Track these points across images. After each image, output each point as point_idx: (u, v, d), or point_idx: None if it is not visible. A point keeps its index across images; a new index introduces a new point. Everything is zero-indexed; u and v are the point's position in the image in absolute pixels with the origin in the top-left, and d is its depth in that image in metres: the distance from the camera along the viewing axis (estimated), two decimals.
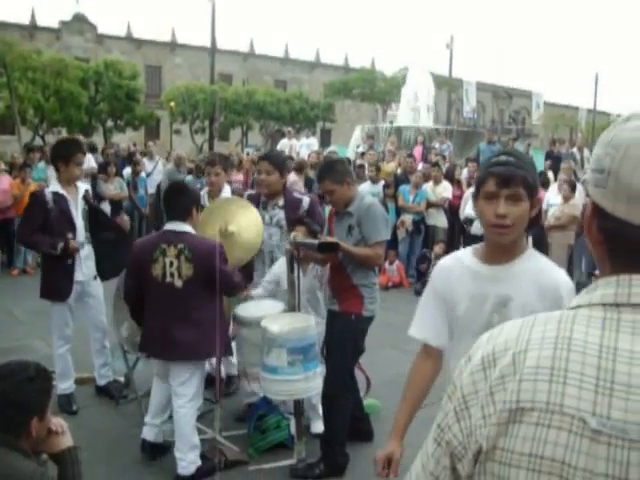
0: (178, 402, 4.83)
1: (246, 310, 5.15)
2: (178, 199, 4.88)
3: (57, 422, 2.80)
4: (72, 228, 5.96)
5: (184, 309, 4.70)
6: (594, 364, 1.13)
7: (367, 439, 5.62)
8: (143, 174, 13.57)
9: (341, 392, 5.00)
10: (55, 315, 6.09)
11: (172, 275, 4.67)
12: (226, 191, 6.43)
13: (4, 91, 31.65)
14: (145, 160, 14.74)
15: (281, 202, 5.83)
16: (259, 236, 5.47)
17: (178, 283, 4.67)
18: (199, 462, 4.84)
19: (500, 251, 2.62)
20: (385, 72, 47.77)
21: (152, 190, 13.43)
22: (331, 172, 5.09)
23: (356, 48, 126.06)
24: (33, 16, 52.57)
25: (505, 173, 2.47)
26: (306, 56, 64.51)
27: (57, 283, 5.98)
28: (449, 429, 1.28)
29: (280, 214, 5.79)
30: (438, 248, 11.74)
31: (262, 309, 5.05)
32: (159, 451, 5.13)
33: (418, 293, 11.49)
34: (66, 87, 31.60)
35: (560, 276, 2.61)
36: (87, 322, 6.36)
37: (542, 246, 11.91)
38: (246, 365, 5.13)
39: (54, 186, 6.06)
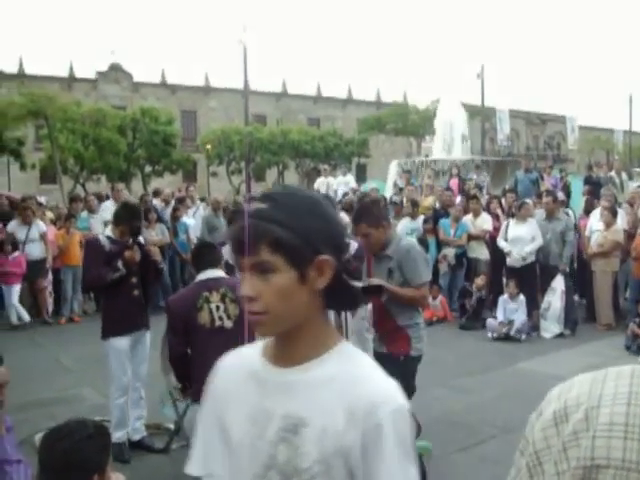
0: None
1: None
2: (209, 251, 5.14)
3: (116, 477, 2.83)
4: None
5: (238, 346, 4.75)
6: None
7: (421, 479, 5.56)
8: (184, 219, 13.72)
9: None
10: (113, 364, 6.09)
11: (221, 318, 4.78)
12: None
13: (46, 142, 32.48)
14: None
15: None
16: None
17: (228, 324, 4.79)
18: None
19: (286, 346, 1.65)
20: (418, 105, 47.95)
21: (197, 234, 13.52)
22: (367, 215, 5.12)
23: (388, 82, 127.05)
24: (71, 68, 54.10)
25: (238, 235, 1.52)
26: (338, 93, 65.16)
27: (125, 313, 6.05)
28: None
29: None
30: (479, 280, 11.67)
31: None
32: None
33: (463, 327, 11.41)
34: (105, 135, 32.29)
35: (380, 391, 1.55)
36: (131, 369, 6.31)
37: (585, 275, 11.78)
38: None
39: (108, 232, 6.28)
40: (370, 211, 5.19)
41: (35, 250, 12.04)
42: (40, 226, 12.26)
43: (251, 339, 4.71)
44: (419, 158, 25.70)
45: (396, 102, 51.64)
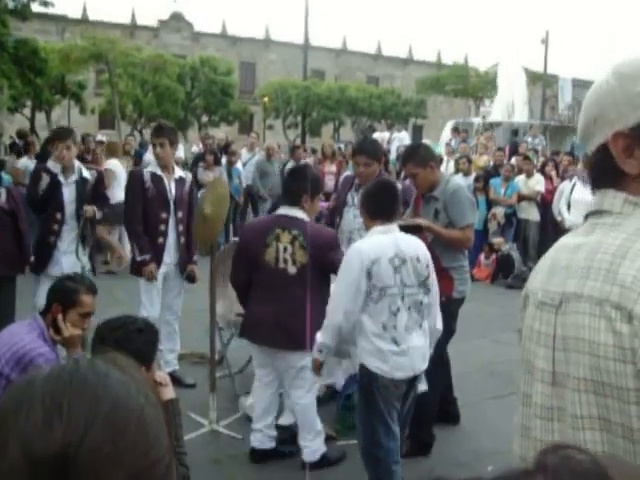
0: (296, 394, 4.74)
1: None
2: (293, 183, 4.77)
3: (161, 375, 3.00)
4: (167, 209, 6.18)
5: (296, 296, 4.53)
6: (551, 256, 1.56)
7: (454, 422, 5.70)
8: (238, 165, 13.88)
9: (432, 372, 5.05)
10: (143, 295, 6.23)
11: (286, 261, 4.57)
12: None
13: (106, 87, 32.93)
14: (244, 151, 15.10)
15: None
16: (225, 197, 5.61)
17: (292, 269, 4.57)
18: (324, 448, 4.81)
19: None
20: (478, 68, 47.18)
21: (249, 181, 13.75)
22: (414, 155, 5.20)
23: (449, 44, 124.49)
24: (133, 16, 54.38)
25: None
26: (399, 52, 64.38)
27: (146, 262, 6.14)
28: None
29: None
30: (498, 240, 11.96)
31: None
32: (269, 456, 4.96)
33: (510, 286, 11.37)
34: (164, 83, 32.58)
35: None
36: (162, 303, 6.36)
37: None
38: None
39: (153, 167, 6.31)
40: (417, 152, 5.25)
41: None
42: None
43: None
44: (476, 119, 25.43)
45: (457, 64, 50.85)
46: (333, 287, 4.19)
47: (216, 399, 5.52)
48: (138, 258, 6.13)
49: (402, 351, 3.97)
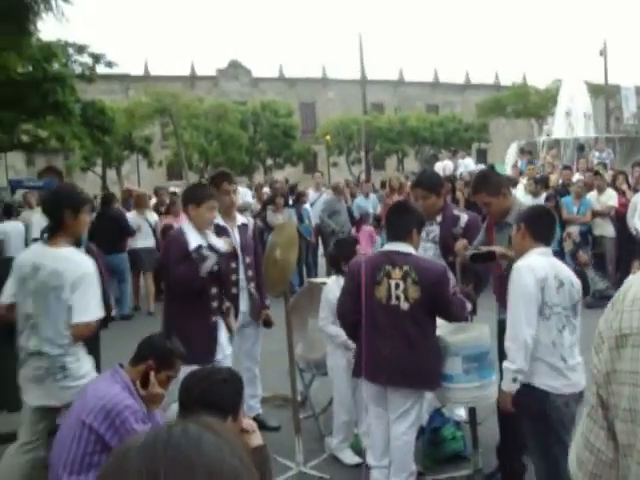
0: (399, 429, 4.64)
1: None
2: (399, 218, 4.72)
3: (248, 422, 3.04)
4: (235, 258, 6.07)
5: (408, 333, 4.50)
6: None
7: None
8: (307, 205, 14.02)
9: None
10: None
11: (398, 298, 4.49)
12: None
13: (171, 139, 33.81)
14: (311, 191, 15.33)
15: (439, 218, 5.71)
16: (294, 239, 5.64)
17: (404, 305, 4.48)
18: None
19: None
20: (538, 86, 46.77)
21: (317, 220, 13.88)
22: (486, 184, 5.10)
23: (506, 65, 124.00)
24: (192, 67, 55.83)
25: None
26: (456, 78, 64.40)
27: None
28: (592, 362, 1.51)
29: (436, 230, 5.70)
30: (584, 255, 11.61)
31: None
32: None
33: (589, 306, 11.11)
34: (227, 130, 33.34)
35: None
36: (240, 351, 6.34)
37: None
38: None
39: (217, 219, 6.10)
40: (489, 179, 5.16)
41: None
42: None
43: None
44: (541, 138, 25.13)
45: (515, 84, 50.50)
46: (510, 308, 4.18)
47: (301, 441, 5.47)
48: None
49: (570, 367, 4.05)
